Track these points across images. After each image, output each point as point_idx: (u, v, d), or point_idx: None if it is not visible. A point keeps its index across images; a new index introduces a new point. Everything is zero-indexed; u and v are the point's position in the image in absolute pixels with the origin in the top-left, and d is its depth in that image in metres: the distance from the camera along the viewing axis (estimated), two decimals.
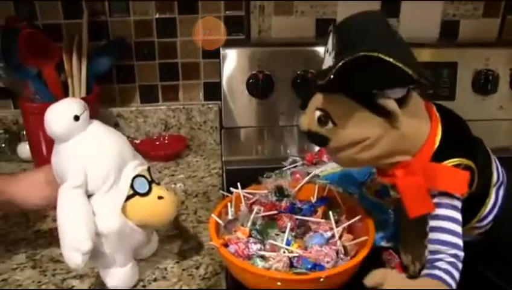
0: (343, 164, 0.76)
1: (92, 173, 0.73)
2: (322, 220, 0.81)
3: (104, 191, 0.74)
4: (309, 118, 0.73)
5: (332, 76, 0.63)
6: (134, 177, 0.76)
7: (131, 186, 0.75)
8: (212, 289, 0.80)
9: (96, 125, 0.77)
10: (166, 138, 1.32)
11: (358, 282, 0.72)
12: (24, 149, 1.23)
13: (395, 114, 0.66)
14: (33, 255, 0.89)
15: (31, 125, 1.15)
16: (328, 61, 0.69)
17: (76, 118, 0.73)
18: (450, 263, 0.68)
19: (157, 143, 1.31)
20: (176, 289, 0.79)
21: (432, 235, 0.70)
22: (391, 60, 0.61)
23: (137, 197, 0.75)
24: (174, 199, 0.80)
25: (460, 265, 0.68)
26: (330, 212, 0.79)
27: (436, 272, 0.67)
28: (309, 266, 0.72)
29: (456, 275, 0.68)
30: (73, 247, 0.69)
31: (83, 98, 1.12)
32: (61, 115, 0.73)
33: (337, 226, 0.79)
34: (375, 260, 0.77)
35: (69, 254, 0.70)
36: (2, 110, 1.31)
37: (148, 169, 0.79)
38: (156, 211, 0.77)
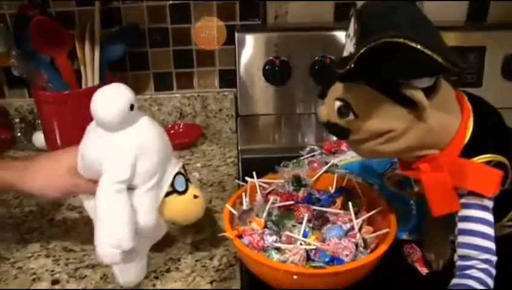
0: (365, 155, 0.71)
1: (142, 168, 0.70)
2: (341, 212, 0.78)
3: (148, 187, 0.71)
4: (328, 109, 0.69)
5: (352, 65, 0.59)
6: (175, 175, 0.74)
7: (172, 183, 0.74)
8: (225, 288, 0.77)
9: (147, 120, 0.73)
10: (181, 126, 1.31)
11: (377, 276, 0.70)
12: (39, 138, 1.22)
13: (421, 105, 0.62)
14: (47, 244, 0.88)
15: (44, 114, 1.14)
16: (349, 47, 0.64)
17: (132, 107, 0.69)
18: (482, 270, 0.64)
19: (172, 132, 1.29)
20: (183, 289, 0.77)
21: (462, 239, 0.66)
22: (418, 46, 0.56)
23: (175, 195, 0.74)
24: (204, 197, 0.79)
25: (493, 271, 0.64)
26: (350, 203, 0.76)
27: (468, 281, 0.64)
28: (327, 260, 0.69)
29: (490, 283, 0.64)
30: (114, 244, 0.67)
31: (98, 86, 1.12)
32: (117, 101, 0.68)
33: (356, 218, 0.75)
34: (395, 253, 0.74)
35: (107, 251, 0.67)
36: (17, 99, 1.31)
37: (183, 167, 0.78)
38: (190, 210, 0.77)
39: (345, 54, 0.65)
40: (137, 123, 0.71)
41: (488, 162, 0.65)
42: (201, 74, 1.30)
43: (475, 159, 0.65)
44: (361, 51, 0.57)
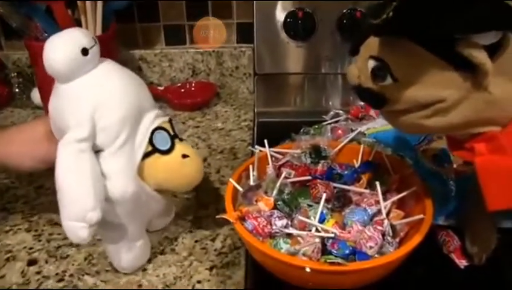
0: (405, 129, 0.58)
1: (103, 123, 0.58)
2: (367, 191, 0.67)
3: (117, 147, 0.59)
4: (360, 69, 0.56)
5: (390, 13, 0.47)
6: (153, 131, 0.62)
7: (150, 141, 0.61)
8: (224, 285, 0.66)
9: (109, 64, 0.62)
10: (193, 84, 1.20)
11: (405, 268, 0.58)
12: (38, 94, 1.12)
13: (484, 70, 0.49)
14: (30, 216, 0.79)
15: (40, 68, 1.02)
16: None
17: (85, 51, 0.58)
18: None
19: (183, 90, 1.19)
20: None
21: None
22: None
23: (157, 155, 0.62)
24: (200, 157, 0.66)
25: None
26: (377, 183, 0.63)
27: None
28: (347, 252, 0.57)
29: None
30: (78, 217, 0.55)
31: (98, 37, 1.02)
32: (65, 46, 0.59)
33: (385, 200, 0.64)
34: (429, 241, 0.61)
35: (71, 226, 0.56)
36: (15, 51, 1.21)
37: (170, 121, 0.66)
38: (180, 173, 0.64)
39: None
40: (96, 70, 0.60)
41: None
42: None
43: None
44: None
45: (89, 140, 0.57)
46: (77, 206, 0.55)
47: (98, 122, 0.58)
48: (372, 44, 0.55)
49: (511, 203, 0.53)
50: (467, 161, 0.57)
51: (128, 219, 0.63)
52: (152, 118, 0.63)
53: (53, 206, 0.78)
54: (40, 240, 0.73)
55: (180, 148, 0.64)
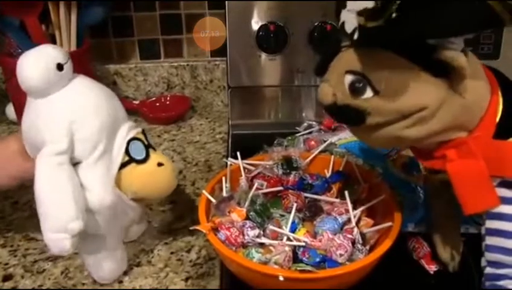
0: (380, 144, 0.58)
1: (80, 135, 0.59)
2: (337, 200, 0.68)
3: (95, 158, 0.60)
4: (335, 86, 0.55)
5: (394, 14, 0.46)
6: (129, 141, 0.63)
7: (127, 151, 0.63)
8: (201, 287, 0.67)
9: (82, 79, 0.64)
10: (168, 98, 1.20)
11: (377, 275, 0.60)
12: (13, 110, 1.12)
13: (462, 72, 0.49)
14: (6, 232, 0.78)
15: (13, 83, 1.02)
16: (360, 5, 0.50)
17: (60, 66, 0.59)
18: None
19: (158, 104, 1.19)
20: None
21: (492, 241, 0.55)
22: None
23: (133, 165, 0.63)
24: (173, 165, 0.68)
25: None
26: (346, 192, 0.65)
27: None
28: (317, 260, 0.59)
29: None
30: (60, 229, 0.56)
31: (72, 52, 1.03)
32: (40, 62, 0.59)
33: (354, 208, 0.65)
34: (399, 248, 0.63)
35: (53, 238, 0.56)
36: None
37: (143, 132, 0.67)
38: (156, 181, 0.65)
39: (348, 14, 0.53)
40: (71, 85, 0.61)
41: None
42: (191, 41, 1.19)
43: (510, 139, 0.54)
44: None
45: (67, 153, 0.58)
46: (59, 218, 0.56)
47: (76, 135, 0.59)
48: (347, 59, 0.55)
49: (485, 206, 0.54)
50: (435, 169, 0.58)
51: (106, 229, 0.63)
52: (127, 129, 0.64)
53: (29, 222, 0.79)
54: (15, 255, 0.73)
55: (155, 157, 0.65)
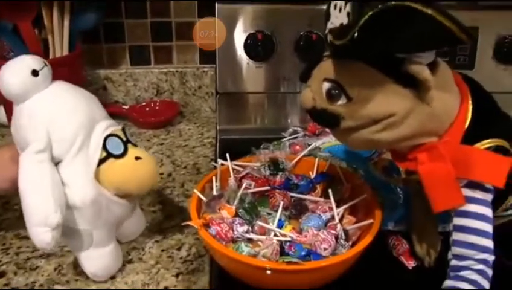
0: (357, 146, 0.63)
1: (57, 135, 0.63)
2: (321, 199, 0.72)
3: (73, 155, 0.64)
4: (315, 92, 0.60)
5: (356, 34, 0.50)
6: (106, 138, 0.66)
7: (104, 147, 0.66)
8: (191, 282, 0.70)
9: (60, 84, 0.67)
10: (158, 103, 1.23)
11: (359, 270, 0.64)
12: (2, 113, 1.13)
13: (427, 85, 0.54)
14: None
15: None
16: (339, 19, 0.56)
17: (35, 73, 0.63)
18: (478, 271, 0.57)
19: (147, 109, 1.22)
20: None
21: (457, 237, 0.59)
22: (429, 11, 0.48)
23: (111, 160, 0.66)
24: (154, 160, 0.70)
25: (490, 272, 0.58)
26: (330, 191, 0.68)
27: (462, 284, 0.57)
28: (303, 253, 0.62)
29: (486, 285, 0.57)
30: (40, 222, 0.59)
31: (64, 57, 1.05)
32: (16, 70, 0.64)
33: (338, 207, 0.69)
34: (379, 245, 0.67)
35: (36, 231, 0.59)
36: None
37: (123, 129, 0.70)
38: (134, 174, 0.67)
39: (331, 26, 0.57)
40: (48, 89, 0.65)
41: (489, 148, 0.58)
42: (181, 48, 1.22)
43: (478, 145, 0.58)
44: (366, 17, 0.49)
45: (46, 151, 0.62)
46: (39, 212, 0.59)
47: (53, 135, 0.63)
48: (325, 67, 0.59)
49: (452, 204, 0.58)
50: (410, 170, 0.62)
51: (91, 225, 0.66)
52: (104, 127, 0.67)
53: (20, 221, 0.78)
54: (8, 253, 0.75)
55: (133, 151, 0.67)
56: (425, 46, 0.53)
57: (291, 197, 0.73)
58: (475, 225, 0.58)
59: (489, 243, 0.57)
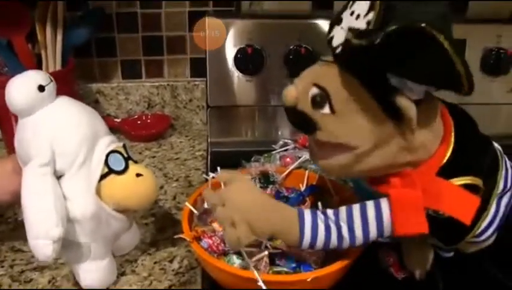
0: (330, 173, 0.65)
1: (60, 149, 0.64)
2: None
3: (75, 170, 0.65)
4: (300, 93, 0.59)
5: (378, 40, 0.49)
6: (108, 154, 0.68)
7: (106, 163, 0.67)
8: (185, 289, 0.71)
9: (64, 99, 0.69)
10: (149, 117, 1.24)
11: (348, 282, 0.65)
12: None
13: (411, 124, 0.55)
14: None
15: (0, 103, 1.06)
16: (355, 25, 0.55)
17: (41, 88, 0.65)
18: (330, 225, 0.60)
19: (139, 122, 1.23)
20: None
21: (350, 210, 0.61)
22: (448, 48, 0.49)
23: (112, 176, 0.67)
24: (154, 177, 0.72)
25: (334, 237, 0.60)
26: (319, 203, 0.70)
27: (307, 212, 0.61)
28: (293, 265, 0.63)
29: (321, 237, 0.60)
30: (41, 235, 0.60)
31: (57, 72, 1.06)
32: (23, 85, 0.66)
33: None
34: (369, 257, 0.69)
35: (37, 244, 0.61)
36: None
37: (124, 146, 0.71)
38: (135, 191, 0.69)
39: (341, 31, 0.57)
40: (53, 104, 0.67)
41: (465, 185, 0.59)
42: (172, 62, 1.24)
43: (453, 180, 0.59)
44: (394, 28, 0.48)
45: (50, 165, 0.63)
46: (41, 225, 0.60)
47: (56, 149, 0.64)
48: (318, 72, 0.59)
49: (415, 230, 0.59)
50: (383, 192, 0.62)
51: (90, 238, 0.67)
52: (107, 143, 0.69)
53: (14, 234, 0.82)
54: (2, 266, 0.76)
55: (134, 168, 0.69)
56: (428, 80, 0.54)
57: None
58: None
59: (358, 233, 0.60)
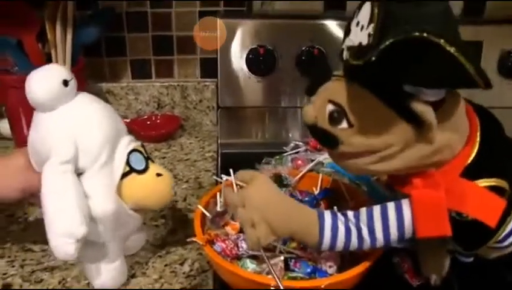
0: (352, 171, 0.64)
1: (84, 146, 0.63)
2: None
3: (97, 168, 0.64)
4: (317, 111, 0.60)
5: (374, 58, 0.49)
6: (129, 152, 0.67)
7: (127, 162, 0.66)
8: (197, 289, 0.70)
9: (86, 95, 0.68)
10: (159, 117, 1.24)
11: (365, 288, 0.64)
12: (6, 126, 1.13)
13: (430, 127, 0.54)
14: (2, 243, 0.80)
15: (9, 100, 1.06)
16: (360, 37, 0.55)
17: (65, 83, 0.64)
18: (350, 227, 0.60)
19: (149, 123, 1.22)
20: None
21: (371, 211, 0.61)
22: (452, 50, 0.48)
23: (133, 175, 0.66)
24: (171, 176, 0.71)
25: (355, 239, 0.60)
26: (335, 208, 0.69)
27: (327, 213, 0.61)
28: (308, 271, 0.62)
29: (341, 238, 0.60)
30: (65, 233, 0.58)
31: None
32: (47, 78, 0.64)
33: None
34: (384, 263, 0.67)
35: (59, 243, 0.59)
36: None
37: (142, 145, 0.71)
38: (155, 190, 0.68)
39: (350, 43, 0.57)
40: (75, 100, 0.66)
41: (490, 187, 0.58)
42: (182, 62, 1.23)
43: (478, 181, 0.58)
44: (388, 43, 0.48)
45: (72, 162, 0.62)
46: (64, 223, 0.59)
47: (80, 146, 0.63)
48: (332, 88, 0.60)
49: (438, 233, 0.58)
50: (404, 193, 0.61)
51: (108, 237, 0.66)
52: (127, 142, 0.68)
53: (25, 234, 0.82)
54: (13, 266, 0.75)
55: (154, 168, 0.68)
56: (438, 84, 0.53)
57: None
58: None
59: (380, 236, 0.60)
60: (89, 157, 0.63)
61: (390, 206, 0.59)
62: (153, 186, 0.68)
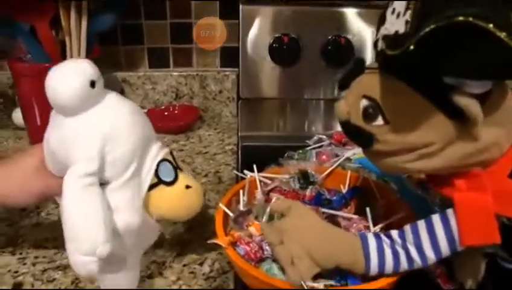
0: (387, 170, 0.58)
1: (113, 156, 0.56)
2: (355, 216, 0.67)
3: (125, 180, 0.58)
4: (350, 106, 0.55)
5: (412, 46, 0.44)
6: (158, 162, 0.61)
7: (156, 173, 0.61)
8: None
9: (114, 97, 0.60)
10: (177, 108, 1.20)
11: None
12: (19, 115, 1.11)
13: (475, 121, 0.49)
14: (15, 239, 0.77)
15: (22, 89, 1.04)
16: (396, 25, 0.50)
17: (93, 84, 0.56)
18: (397, 249, 0.56)
19: (166, 113, 1.19)
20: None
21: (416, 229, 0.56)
22: (502, 35, 0.42)
23: (161, 187, 0.61)
24: (201, 188, 0.66)
25: (404, 261, 0.56)
26: (367, 209, 0.64)
27: (370, 237, 0.57)
28: (338, 277, 0.57)
29: (389, 261, 0.56)
30: (87, 251, 0.53)
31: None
32: (73, 78, 0.55)
33: (373, 225, 0.64)
34: None
35: (81, 260, 0.53)
36: None
37: (171, 153, 0.65)
38: (183, 203, 0.64)
39: (385, 32, 0.52)
40: (103, 102, 0.58)
41: None
42: (201, 50, 1.19)
43: None
44: (428, 30, 0.43)
45: (98, 174, 0.56)
46: (88, 241, 0.53)
47: (107, 156, 0.57)
48: (365, 82, 0.55)
49: (485, 241, 0.53)
50: (447, 196, 0.56)
51: (128, 251, 0.61)
52: (156, 151, 0.62)
53: (37, 229, 0.79)
54: (25, 263, 0.72)
55: (183, 179, 0.64)
56: (486, 75, 0.48)
57: (323, 213, 0.68)
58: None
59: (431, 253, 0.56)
60: (117, 168, 0.57)
61: (436, 220, 0.55)
62: (182, 199, 0.63)
